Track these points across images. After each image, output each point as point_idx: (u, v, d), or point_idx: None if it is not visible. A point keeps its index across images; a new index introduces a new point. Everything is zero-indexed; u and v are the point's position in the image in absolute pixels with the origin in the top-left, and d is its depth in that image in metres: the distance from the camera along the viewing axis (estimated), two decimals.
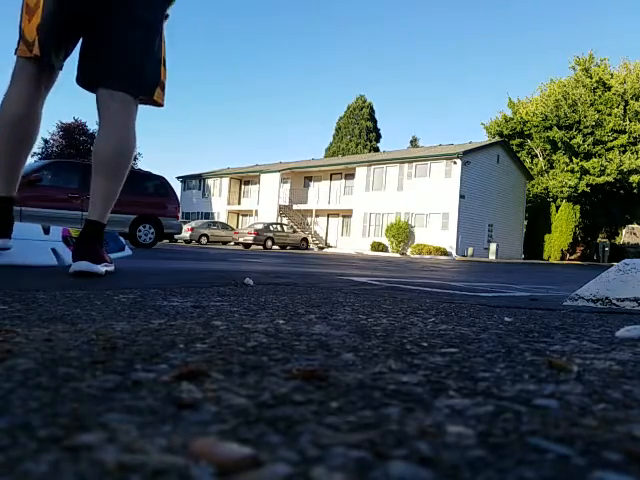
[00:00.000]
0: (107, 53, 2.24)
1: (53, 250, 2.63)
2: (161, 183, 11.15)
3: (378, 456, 0.41)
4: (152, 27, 2.31)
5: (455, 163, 26.97)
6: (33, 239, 2.63)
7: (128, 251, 3.11)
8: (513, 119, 36.70)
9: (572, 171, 32.99)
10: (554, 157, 34.95)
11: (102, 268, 2.24)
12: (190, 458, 0.39)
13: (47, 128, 37.23)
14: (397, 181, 29.34)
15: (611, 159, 31.95)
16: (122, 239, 3.12)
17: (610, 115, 32.52)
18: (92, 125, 37.41)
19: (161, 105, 2.42)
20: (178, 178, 42.12)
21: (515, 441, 0.46)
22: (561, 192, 33.32)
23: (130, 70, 2.26)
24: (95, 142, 2.30)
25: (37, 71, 2.25)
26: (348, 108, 50.11)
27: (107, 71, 2.24)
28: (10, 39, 2.29)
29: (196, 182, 41.26)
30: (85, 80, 2.30)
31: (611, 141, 32.46)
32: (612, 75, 33.96)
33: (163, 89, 2.40)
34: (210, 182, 40.14)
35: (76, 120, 37.80)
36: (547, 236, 34.59)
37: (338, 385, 0.63)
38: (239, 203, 38.85)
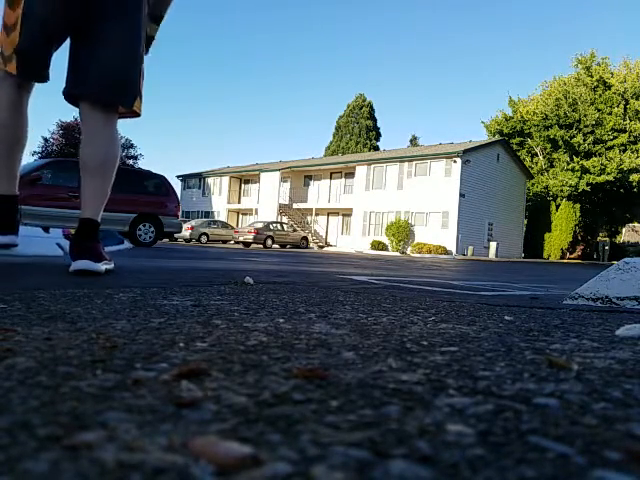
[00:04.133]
0: (90, 66, 2.27)
1: (58, 244, 2.76)
2: (161, 182, 11.15)
3: (378, 455, 0.41)
4: (135, 36, 2.33)
5: (455, 162, 26.95)
6: (38, 236, 2.78)
7: (128, 244, 3.22)
8: (513, 118, 36.69)
9: (572, 170, 32.97)
10: (554, 156, 34.94)
11: (102, 266, 2.26)
12: (190, 457, 0.39)
13: (47, 127, 37.25)
14: (397, 180, 29.32)
15: (611, 158, 31.93)
16: (120, 235, 3.25)
17: (610, 114, 32.50)
18: None
19: (139, 115, 2.44)
20: (178, 177, 42.10)
21: (515, 440, 0.46)
22: (561, 191, 33.31)
23: (112, 83, 2.29)
24: (81, 151, 2.35)
25: (19, 80, 2.28)
26: (348, 107, 50.07)
27: (89, 84, 2.27)
28: None
29: (196, 181, 41.24)
30: (69, 94, 2.33)
31: (611, 140, 32.44)
32: (612, 74, 33.93)
33: (141, 98, 2.42)
34: (210, 181, 40.12)
35: (76, 119, 37.75)
36: (547, 235, 34.57)
37: (338, 384, 0.63)
38: (239, 202, 38.84)
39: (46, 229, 2.87)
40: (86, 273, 2.17)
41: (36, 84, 2.36)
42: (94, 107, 2.29)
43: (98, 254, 2.26)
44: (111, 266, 2.41)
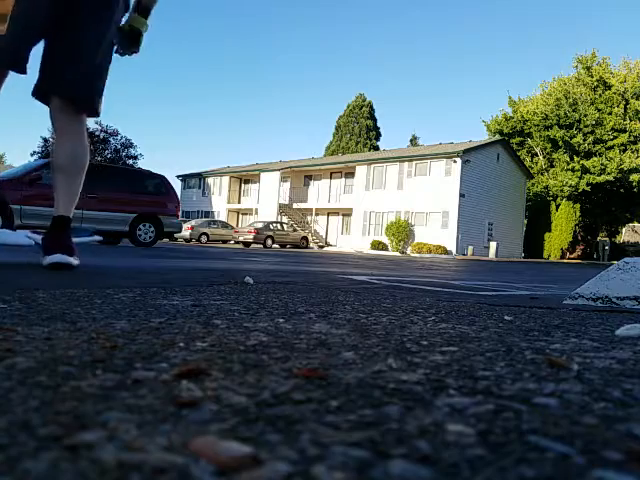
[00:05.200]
0: (64, 65, 2.35)
1: (27, 237, 3.00)
2: (161, 182, 11.14)
3: (378, 455, 0.41)
4: (107, 39, 2.41)
5: (455, 162, 26.95)
6: (8, 232, 3.16)
7: (97, 237, 3.66)
8: (513, 118, 36.68)
9: (572, 170, 32.98)
10: (554, 156, 34.95)
11: (74, 261, 2.39)
12: (190, 457, 0.39)
13: (47, 127, 37.26)
14: (397, 180, 29.32)
15: (611, 158, 31.92)
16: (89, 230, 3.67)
17: (610, 114, 32.50)
18: (91, 124, 37.46)
19: (98, 115, 2.52)
20: (178, 177, 42.10)
21: (515, 440, 0.46)
22: (561, 191, 33.32)
23: (83, 85, 2.37)
24: (53, 151, 2.47)
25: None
26: (348, 107, 50.06)
27: (61, 82, 2.36)
28: None
29: (196, 181, 41.24)
30: (39, 89, 2.40)
31: (611, 140, 32.44)
32: (613, 74, 33.93)
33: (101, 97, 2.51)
34: (210, 181, 40.12)
35: None
36: (547, 235, 34.57)
37: (338, 384, 0.63)
38: (239, 202, 38.83)
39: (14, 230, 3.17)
40: (61, 266, 2.31)
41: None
42: (64, 106, 2.37)
43: (71, 249, 2.40)
44: (77, 262, 2.52)
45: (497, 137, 34.04)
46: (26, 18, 2.22)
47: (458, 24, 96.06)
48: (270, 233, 26.18)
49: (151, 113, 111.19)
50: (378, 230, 29.69)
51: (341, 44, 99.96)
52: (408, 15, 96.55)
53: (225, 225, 29.57)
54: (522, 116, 35.82)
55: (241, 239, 25.77)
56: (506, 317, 1.42)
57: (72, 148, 2.43)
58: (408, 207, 28.41)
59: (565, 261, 29.17)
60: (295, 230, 28.98)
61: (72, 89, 2.35)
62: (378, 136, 50.04)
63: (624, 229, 43.19)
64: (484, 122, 38.60)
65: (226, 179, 38.84)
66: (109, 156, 38.72)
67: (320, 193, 34.14)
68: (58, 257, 2.31)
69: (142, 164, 41.73)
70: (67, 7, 2.30)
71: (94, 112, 2.47)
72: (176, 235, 16.54)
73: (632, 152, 31.92)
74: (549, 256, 33.92)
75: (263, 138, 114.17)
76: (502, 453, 0.43)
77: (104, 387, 0.57)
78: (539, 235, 34.95)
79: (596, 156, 32.63)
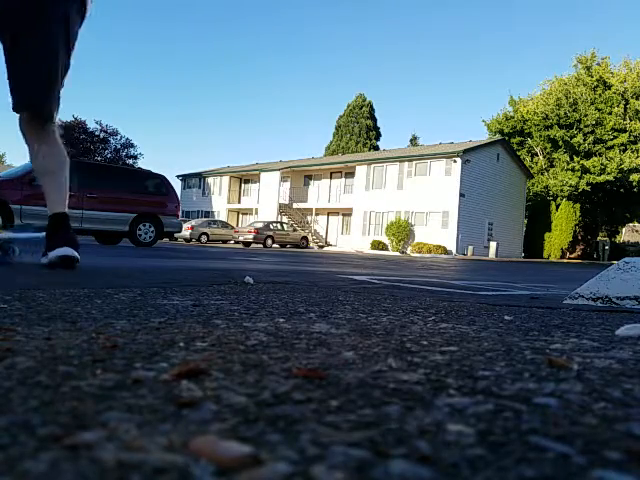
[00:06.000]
0: (17, 82, 2.36)
1: None
2: (161, 182, 11.13)
3: (378, 455, 0.41)
4: (60, 41, 2.39)
5: (455, 162, 26.95)
6: None
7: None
8: (514, 117, 36.69)
9: (572, 170, 32.98)
10: (554, 155, 34.95)
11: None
12: (190, 457, 0.39)
13: None
14: (397, 180, 29.32)
15: (611, 158, 31.92)
16: None
17: (610, 114, 32.50)
18: (91, 124, 37.52)
19: (54, 121, 2.55)
20: (178, 177, 42.10)
21: (515, 440, 0.46)
22: (561, 191, 33.32)
23: (47, 96, 2.39)
24: (32, 157, 2.53)
25: None
26: (348, 106, 50.05)
27: (18, 101, 2.39)
28: None
29: (196, 181, 41.24)
30: (14, 104, 2.42)
31: (611, 140, 32.43)
32: (613, 74, 33.92)
33: (58, 108, 2.55)
34: (210, 181, 40.12)
35: (75, 118, 37.66)
36: (547, 235, 34.56)
37: (338, 384, 0.63)
38: (239, 202, 38.83)
39: None
40: (68, 259, 2.36)
41: None
42: (28, 118, 2.42)
43: (75, 242, 2.46)
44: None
45: (497, 137, 34.05)
46: None
47: (458, 24, 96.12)
48: (270, 233, 26.18)
49: (151, 113, 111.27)
50: (378, 230, 29.68)
51: (341, 44, 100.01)
52: (408, 15, 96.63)
53: (225, 225, 29.55)
54: (522, 116, 35.82)
55: (241, 239, 25.77)
56: (506, 317, 1.42)
57: (48, 150, 2.48)
58: (408, 207, 28.40)
59: (565, 261, 29.17)
60: (295, 230, 28.97)
61: (28, 105, 2.39)
62: (378, 136, 50.01)
63: (624, 229, 43.20)
64: (484, 122, 38.63)
65: (226, 179, 38.84)
66: (109, 156, 38.68)
67: (320, 193, 34.13)
68: (67, 250, 2.36)
69: (142, 164, 41.78)
70: (11, 12, 2.25)
71: (50, 120, 2.47)
72: (176, 235, 16.53)
73: (632, 152, 31.90)
74: (549, 256, 33.91)
75: (263, 138, 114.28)
76: (502, 453, 0.43)
77: (104, 387, 0.57)
78: (539, 235, 34.94)
79: (596, 156, 32.62)
